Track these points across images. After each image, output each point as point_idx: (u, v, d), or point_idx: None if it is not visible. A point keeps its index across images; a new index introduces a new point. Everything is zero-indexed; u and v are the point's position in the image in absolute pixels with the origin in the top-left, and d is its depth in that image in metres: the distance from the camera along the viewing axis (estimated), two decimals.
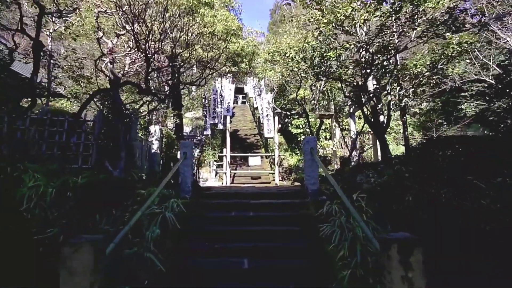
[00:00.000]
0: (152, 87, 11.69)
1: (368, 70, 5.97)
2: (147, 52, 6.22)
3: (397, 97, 6.55)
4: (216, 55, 10.16)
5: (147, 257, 3.26)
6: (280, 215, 4.75)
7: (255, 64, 13.22)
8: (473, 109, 15.07)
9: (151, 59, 7.04)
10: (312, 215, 4.56)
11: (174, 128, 17.89)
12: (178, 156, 11.65)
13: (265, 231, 4.32)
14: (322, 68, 6.51)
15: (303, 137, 13.35)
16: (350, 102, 9.77)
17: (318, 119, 10.96)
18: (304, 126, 12.73)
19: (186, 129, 21.70)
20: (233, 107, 29.23)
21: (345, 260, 3.23)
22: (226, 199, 5.39)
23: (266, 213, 4.84)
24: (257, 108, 19.86)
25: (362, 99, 6.37)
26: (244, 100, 31.05)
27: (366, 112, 6.46)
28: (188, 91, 17.09)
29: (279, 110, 12.53)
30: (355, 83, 6.63)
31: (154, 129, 8.78)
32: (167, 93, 10.72)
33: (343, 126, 12.13)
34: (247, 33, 17.19)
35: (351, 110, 9.81)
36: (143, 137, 8.44)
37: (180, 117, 16.51)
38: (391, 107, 6.46)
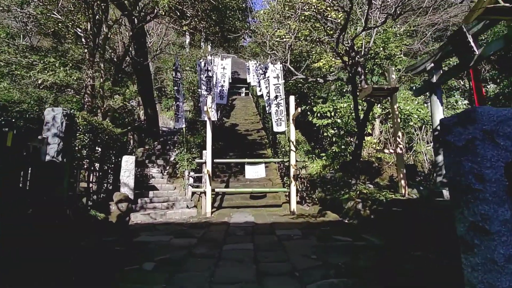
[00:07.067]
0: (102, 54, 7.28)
1: None
2: None
3: None
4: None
5: None
6: None
7: (256, 14, 8.64)
8: None
9: None
10: None
11: (144, 122, 13.41)
12: (122, 170, 6.84)
13: None
14: None
15: (332, 131, 8.71)
16: (433, 63, 5.22)
17: (365, 99, 6.36)
18: (333, 114, 8.13)
19: (171, 124, 17.34)
20: (234, 99, 24.88)
21: None
22: None
23: None
24: (261, 96, 15.38)
25: None
26: (248, 91, 27.48)
27: None
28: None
29: (301, 76, 7.59)
30: None
31: (52, 115, 4.39)
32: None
33: (402, 111, 7.54)
34: None
35: (435, 79, 5.25)
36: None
37: (152, 105, 12.05)
38: None
